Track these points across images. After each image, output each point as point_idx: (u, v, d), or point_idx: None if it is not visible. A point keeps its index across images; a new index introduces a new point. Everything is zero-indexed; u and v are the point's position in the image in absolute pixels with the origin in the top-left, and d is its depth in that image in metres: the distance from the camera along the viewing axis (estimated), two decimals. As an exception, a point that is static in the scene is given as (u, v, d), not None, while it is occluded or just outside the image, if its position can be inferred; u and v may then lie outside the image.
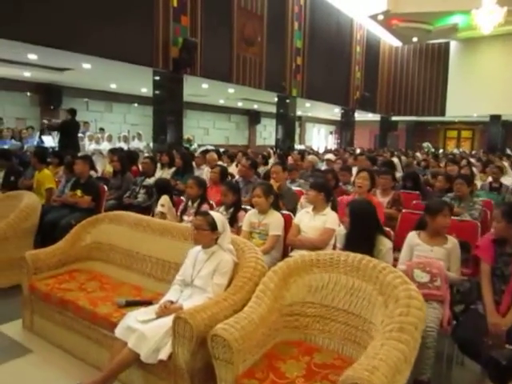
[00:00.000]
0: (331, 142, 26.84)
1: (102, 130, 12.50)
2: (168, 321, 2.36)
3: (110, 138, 10.50)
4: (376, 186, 4.37)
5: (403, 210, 4.18)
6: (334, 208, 3.48)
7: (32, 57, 8.85)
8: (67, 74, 11.11)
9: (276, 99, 15.38)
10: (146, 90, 14.31)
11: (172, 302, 2.57)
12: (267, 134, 22.01)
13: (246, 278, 2.56)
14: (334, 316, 2.41)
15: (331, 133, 27.13)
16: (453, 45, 19.87)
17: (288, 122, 14.32)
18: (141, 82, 12.33)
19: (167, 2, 9.31)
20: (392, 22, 16.91)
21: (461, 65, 19.53)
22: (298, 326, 2.45)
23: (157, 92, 9.99)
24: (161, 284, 3.10)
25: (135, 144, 10.66)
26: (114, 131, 13.10)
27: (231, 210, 3.83)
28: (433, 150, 20.90)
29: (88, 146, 10.01)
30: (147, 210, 5.50)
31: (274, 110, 20.16)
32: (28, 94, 12.46)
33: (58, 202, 5.13)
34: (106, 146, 10.27)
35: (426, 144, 22.65)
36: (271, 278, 2.45)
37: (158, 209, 4.20)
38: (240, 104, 18.18)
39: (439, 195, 5.24)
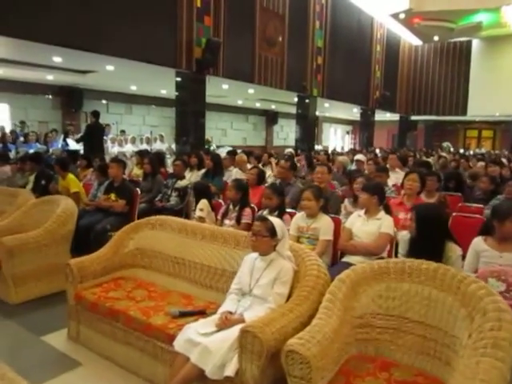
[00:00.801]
0: (348, 142, 26.57)
1: (122, 132, 12.46)
2: (232, 334, 2.23)
3: (133, 140, 10.44)
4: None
5: (453, 214, 4.00)
6: (387, 211, 3.31)
7: (57, 59, 8.82)
8: (89, 76, 11.10)
9: (296, 99, 15.24)
10: (165, 92, 14.29)
11: (231, 313, 2.44)
12: (284, 134, 21.85)
13: (310, 287, 2.41)
14: (408, 328, 2.24)
15: (348, 133, 26.85)
16: (475, 43, 19.48)
17: (308, 123, 14.13)
18: (161, 83, 12.28)
19: (191, 3, 9.21)
20: (414, 20, 16.62)
21: (483, 63, 19.13)
22: (368, 339, 2.29)
23: (179, 93, 9.89)
24: (211, 292, 2.98)
25: (157, 146, 10.60)
26: (134, 133, 13.07)
27: (275, 213, 3.68)
28: (452, 149, 20.53)
29: (111, 149, 9.97)
30: (179, 213, 5.43)
31: (291, 110, 20.06)
32: (48, 96, 12.48)
33: (91, 206, 5.06)
34: (129, 148, 10.24)
35: (445, 144, 22.24)
36: (339, 288, 2.29)
37: (197, 214, 4.07)
38: (258, 104, 18.06)
39: (483, 197, 5.05)
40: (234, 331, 2.25)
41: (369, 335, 2.29)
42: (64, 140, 9.39)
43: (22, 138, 9.07)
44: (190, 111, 9.88)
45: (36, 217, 4.42)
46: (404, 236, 2.82)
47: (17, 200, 4.74)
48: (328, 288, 2.39)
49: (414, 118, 21.54)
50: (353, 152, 12.29)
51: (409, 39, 19.77)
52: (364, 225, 3.25)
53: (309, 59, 13.43)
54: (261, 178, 4.78)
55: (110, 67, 9.66)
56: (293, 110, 20.23)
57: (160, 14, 8.82)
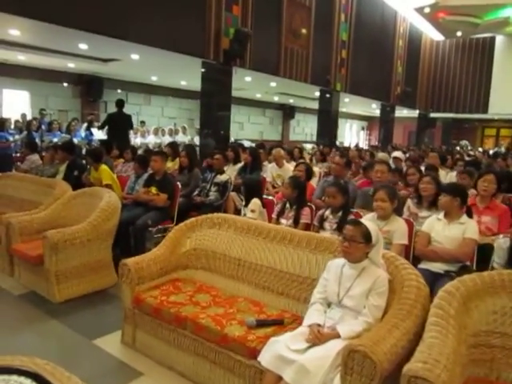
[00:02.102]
0: (362, 138, 26.20)
1: (143, 123, 12.21)
2: (330, 351, 1.98)
3: (155, 132, 10.18)
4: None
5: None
6: (470, 215, 3.04)
7: (82, 46, 8.57)
8: (111, 65, 10.84)
9: (317, 93, 14.90)
10: (185, 83, 14.01)
11: (319, 326, 2.19)
12: (300, 129, 21.53)
13: (411, 299, 2.15)
14: (529, 350, 1.99)
15: (363, 128, 26.47)
16: (499, 40, 18.98)
17: (330, 118, 13.80)
18: (184, 74, 12.03)
19: (220, -10, 8.92)
20: (438, 14, 16.18)
21: (507, 61, 18.66)
22: (483, 360, 2.04)
23: (205, 84, 9.59)
24: (281, 299, 2.73)
25: (180, 138, 10.33)
26: (153, 125, 12.84)
27: (339, 213, 3.43)
28: (470, 148, 20.15)
29: (134, 140, 9.71)
30: (218, 208, 5.18)
31: (308, 104, 19.75)
32: (65, 84, 12.19)
33: (129, 199, 4.82)
34: (151, 140, 10.00)
35: (463, 142, 21.85)
36: (449, 302, 2.03)
37: (248, 215, 3.81)
38: (276, 98, 17.74)
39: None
40: (332, 348, 2.01)
41: (484, 355, 2.04)
42: (88, 129, 9.15)
43: (43, 127, 8.83)
44: (215, 103, 9.60)
45: (76, 209, 4.21)
46: (502, 243, 2.55)
47: (54, 191, 4.52)
48: (428, 301, 2.15)
49: (432, 115, 21.12)
50: (371, 149, 11.92)
51: (430, 34, 19.31)
52: (445, 229, 2.98)
53: (333, 52, 13.09)
54: (309, 174, 4.51)
55: (134, 56, 9.39)
56: (310, 105, 19.97)
57: (188, 1, 8.53)
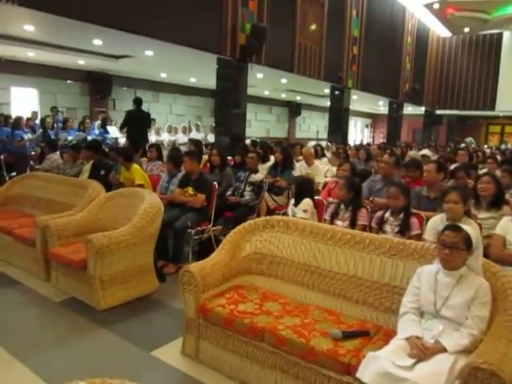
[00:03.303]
0: (367, 136, 26.09)
1: (153, 120, 11.95)
2: (442, 367, 1.84)
3: (169, 129, 9.98)
4: None
5: None
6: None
7: (97, 42, 8.35)
8: (121, 62, 10.62)
9: (326, 90, 14.72)
10: (194, 80, 13.81)
11: (418, 338, 2.03)
12: (306, 126, 21.36)
13: (519, 311, 1.99)
14: None
15: (367, 126, 26.35)
16: (506, 36, 18.88)
17: (341, 115, 13.63)
18: (194, 71, 11.82)
19: (237, -15, 8.72)
20: (447, 10, 16.06)
21: (515, 57, 18.58)
22: None
23: (220, 81, 9.40)
24: (358, 307, 2.57)
25: (193, 135, 10.12)
26: (161, 122, 12.62)
27: (401, 215, 3.27)
28: (474, 145, 20.09)
29: (148, 137, 9.49)
30: (253, 209, 5.02)
31: (315, 101, 19.59)
32: (73, 82, 11.97)
33: (164, 200, 4.63)
34: (165, 137, 9.81)
35: (469, 139, 21.80)
36: None
37: (300, 215, 3.64)
38: (284, 95, 17.56)
39: None
40: (443, 363, 1.85)
41: None
42: (103, 127, 8.93)
43: (56, 125, 8.60)
44: (230, 100, 9.40)
45: (113, 211, 4.03)
46: None
47: (87, 192, 4.33)
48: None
49: (438, 112, 21.01)
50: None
51: (437, 31, 19.19)
52: (522, 232, 2.83)
53: (345, 49, 12.92)
54: (355, 173, 4.34)
55: (148, 52, 9.17)
56: (317, 102, 19.82)
57: (205, -4, 8.33)
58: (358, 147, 8.29)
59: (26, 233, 4.06)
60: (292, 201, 3.87)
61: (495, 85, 19.23)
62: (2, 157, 7.44)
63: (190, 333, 2.68)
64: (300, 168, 6.15)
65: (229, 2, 8.73)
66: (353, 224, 3.42)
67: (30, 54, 9.74)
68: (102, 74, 12.01)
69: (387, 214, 3.31)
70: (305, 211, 3.62)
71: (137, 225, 3.48)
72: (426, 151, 6.69)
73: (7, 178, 7.44)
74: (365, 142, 22.80)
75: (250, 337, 2.38)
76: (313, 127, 21.44)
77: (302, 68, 11.17)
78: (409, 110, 21.04)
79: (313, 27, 11.34)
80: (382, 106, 20.67)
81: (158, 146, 6.01)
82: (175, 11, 7.69)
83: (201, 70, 11.34)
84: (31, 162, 8.05)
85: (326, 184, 4.79)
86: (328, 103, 20.42)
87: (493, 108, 19.59)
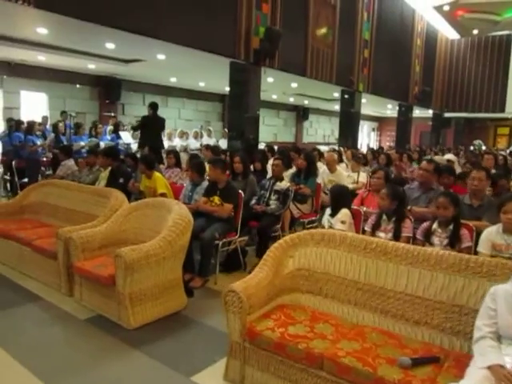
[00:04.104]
0: (373, 140, 25.91)
1: (163, 125, 11.80)
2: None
3: (181, 135, 9.81)
4: None
5: None
6: None
7: (109, 46, 8.19)
8: (131, 66, 10.48)
9: (336, 94, 14.56)
10: (203, 84, 13.67)
11: (501, 367, 1.82)
12: (313, 130, 21.19)
13: None
14: None
15: (373, 130, 26.17)
16: (515, 37, 18.73)
17: (352, 119, 13.44)
18: (204, 75, 11.69)
19: (250, -13, 8.56)
20: (457, 12, 15.89)
21: (524, 59, 18.39)
22: None
23: (233, 85, 9.23)
24: (419, 329, 2.38)
25: (205, 141, 9.94)
26: (170, 127, 12.44)
27: (450, 226, 3.07)
28: (484, 147, 19.87)
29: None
30: (279, 218, 4.82)
31: (322, 106, 19.43)
32: (83, 86, 11.82)
33: (188, 209, 4.43)
34: (177, 143, 9.64)
35: (477, 142, 21.58)
36: None
37: (338, 226, 3.44)
38: (292, 99, 17.40)
39: None
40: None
41: None
42: (115, 132, 8.75)
43: (67, 130, 8.43)
44: (244, 105, 9.22)
45: (138, 222, 3.84)
46: None
47: (109, 201, 4.14)
48: None
49: (446, 114, 20.83)
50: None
51: (446, 33, 19.02)
52: None
53: (356, 52, 12.75)
54: (389, 180, 4.14)
55: (161, 56, 9.03)
56: (324, 106, 19.68)
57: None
58: (379, 151, 8.06)
59: (46, 244, 3.88)
60: (328, 211, 3.67)
61: (505, 87, 19.03)
62: (13, 162, 7.26)
63: (233, 357, 2.48)
64: (322, 175, 5.97)
65: (243, 4, 8.58)
66: (396, 236, 3.22)
67: (40, 58, 9.60)
68: (111, 79, 11.88)
69: (434, 225, 3.11)
70: (343, 222, 3.43)
71: (167, 238, 3.28)
72: (450, 156, 6.49)
73: (18, 185, 7.29)
74: (371, 146, 22.66)
75: (305, 363, 2.18)
76: (320, 131, 21.28)
77: (314, 72, 11.01)
78: (416, 113, 20.84)
79: (323, 30, 11.17)
80: (389, 109, 20.51)
81: (176, 153, 5.83)
82: (189, 14, 7.54)
83: (211, 75, 11.20)
84: (42, 168, 7.89)
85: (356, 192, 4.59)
86: (336, 107, 20.31)
87: (502, 110, 19.39)
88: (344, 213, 3.47)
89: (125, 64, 10.33)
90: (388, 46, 14.44)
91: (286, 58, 9.74)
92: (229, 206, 4.15)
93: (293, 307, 2.65)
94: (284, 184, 4.82)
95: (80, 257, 3.48)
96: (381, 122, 25.88)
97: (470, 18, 16.10)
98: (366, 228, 3.41)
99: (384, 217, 3.33)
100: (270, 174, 6.02)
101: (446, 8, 15.59)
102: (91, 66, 10.38)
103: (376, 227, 3.33)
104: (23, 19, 6.55)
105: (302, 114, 19.66)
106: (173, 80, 12.70)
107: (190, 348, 2.92)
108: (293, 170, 5.84)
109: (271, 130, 18.29)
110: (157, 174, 4.67)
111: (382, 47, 13.97)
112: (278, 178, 4.87)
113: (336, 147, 13.22)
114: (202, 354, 2.83)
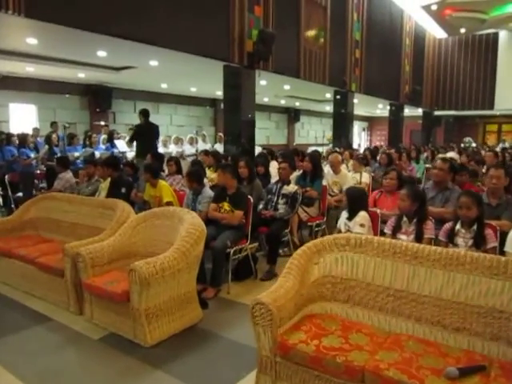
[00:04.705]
0: (364, 139, 25.97)
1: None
2: None
3: (176, 141, 9.67)
4: None
5: None
6: None
7: (101, 54, 8.02)
8: (122, 73, 10.31)
9: (328, 95, 14.54)
10: (194, 90, 13.54)
11: None
12: (305, 132, 21.16)
13: None
14: None
15: (364, 129, 26.24)
16: (502, 35, 18.87)
17: (345, 119, 13.41)
18: (196, 80, 11.56)
19: (243, -10, 8.48)
20: (445, 11, 15.97)
21: (512, 56, 18.58)
22: None
23: (227, 89, 9.12)
24: (457, 336, 2.29)
25: (200, 146, 9.81)
26: (162, 133, 12.25)
27: (474, 227, 2.99)
28: (474, 145, 20.01)
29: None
30: (287, 223, 4.72)
31: (313, 107, 19.41)
32: (72, 96, 11.61)
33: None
34: (173, 149, 9.50)
35: (467, 139, 21.74)
36: None
37: (357, 230, 3.34)
38: (283, 102, 17.35)
39: None
40: None
41: None
42: (109, 141, 8.57)
43: (60, 141, 8.25)
44: (239, 108, 9.11)
45: (148, 233, 3.70)
46: None
47: (115, 213, 3.99)
48: None
49: (436, 113, 20.96)
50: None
51: (433, 32, 19.15)
52: None
53: (348, 53, 12.74)
54: (401, 181, 4.06)
55: (153, 62, 8.88)
56: (315, 107, 19.65)
57: (211, 3, 8.07)
58: (383, 151, 7.97)
59: (51, 261, 3.72)
60: (344, 214, 3.56)
61: (493, 84, 19.20)
62: (6, 177, 7.05)
63: (264, 373, 2.35)
64: (327, 176, 5.87)
65: (235, 7, 8.49)
66: (418, 238, 3.13)
67: (29, 69, 9.40)
68: (102, 87, 11.69)
69: (458, 226, 3.03)
70: (362, 225, 3.33)
71: (181, 249, 3.15)
72: (452, 154, 6.45)
73: (12, 199, 7.08)
74: (362, 146, 22.67)
75: (345, 378, 2.07)
76: (311, 133, 21.25)
77: (307, 73, 10.95)
78: (406, 112, 20.96)
79: (315, 32, 11.14)
80: (380, 108, 20.58)
81: (177, 159, 5.69)
82: (182, 19, 7.42)
83: (203, 79, 11.08)
84: (35, 181, 7.69)
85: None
86: (327, 108, 20.32)
87: (491, 107, 19.55)
88: (362, 216, 3.37)
89: (116, 72, 10.15)
90: (378, 46, 14.46)
91: (279, 60, 9.66)
92: (240, 213, 4.03)
93: (321, 317, 2.54)
94: (292, 187, 4.71)
95: (89, 273, 3.32)
96: (371, 121, 25.97)
97: (458, 16, 16.18)
98: (385, 230, 3.31)
99: (404, 218, 3.24)
100: (273, 178, 5.95)
101: (434, 7, 15.66)
102: (81, 75, 10.19)
103: (397, 229, 3.24)
104: (12, 29, 6.38)
105: (293, 115, 19.62)
106: (164, 86, 12.55)
107: (213, 364, 2.79)
108: (297, 172, 5.74)
109: (264, 133, 18.20)
110: (162, 183, 4.54)
111: (372, 47, 13.99)
112: (285, 181, 4.76)
113: (328, 148, 13.26)
114: (227, 369, 2.70)
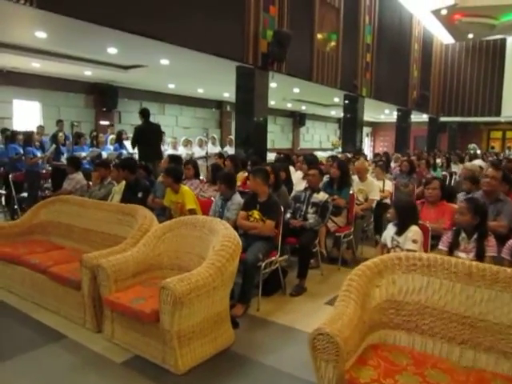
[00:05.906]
0: (368, 145, 25.73)
1: (163, 133, 11.30)
2: None
3: (185, 143, 9.35)
4: None
5: None
6: None
7: (111, 51, 7.71)
8: (130, 72, 10.00)
9: (336, 99, 14.30)
10: (201, 91, 13.24)
11: None
12: (309, 136, 20.89)
13: None
14: None
15: (367, 135, 26.01)
16: (510, 41, 18.72)
17: (355, 124, 13.14)
18: (205, 81, 11.26)
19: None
20: (455, 16, 15.79)
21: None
22: None
23: (240, 90, 8.82)
24: (499, 357, 1.96)
25: (210, 149, 9.49)
26: (167, 135, 11.97)
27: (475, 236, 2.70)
28: (478, 151, 19.84)
29: (165, 152, 8.86)
30: (317, 233, 4.41)
31: (319, 111, 19.14)
32: (73, 93, 11.26)
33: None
34: (182, 152, 9.18)
35: (472, 146, 21.56)
36: None
37: (408, 246, 3.02)
38: (289, 105, 17.07)
39: None
40: None
41: None
42: (118, 142, 8.24)
43: (67, 140, 7.92)
44: (251, 110, 8.81)
45: (175, 245, 3.39)
46: None
47: (136, 220, 3.67)
48: None
49: (442, 119, 20.77)
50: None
51: (441, 37, 18.96)
52: None
53: (359, 56, 12.48)
54: (445, 192, 3.76)
55: (164, 61, 8.58)
56: (321, 112, 19.39)
57: (226, 2, 7.78)
58: (405, 158, 7.64)
59: (66, 272, 3.38)
60: (391, 227, 3.25)
61: (500, 90, 19.04)
62: (10, 176, 6.71)
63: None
64: (354, 184, 5.57)
65: (251, 6, 8.21)
66: (480, 256, 2.83)
67: (34, 65, 9.07)
68: (108, 86, 11.36)
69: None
70: (414, 241, 3.02)
71: (216, 264, 2.83)
72: (479, 162, 6.17)
73: (16, 199, 6.75)
74: (366, 151, 22.43)
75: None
76: (316, 137, 21.01)
77: (320, 76, 10.68)
78: (411, 117, 20.77)
79: (328, 33, 10.87)
80: (386, 114, 20.35)
81: (194, 163, 5.36)
82: (196, 17, 7.13)
83: (212, 80, 10.80)
84: (41, 181, 7.35)
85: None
86: (332, 113, 20.09)
87: (498, 114, 19.38)
88: (415, 231, 3.06)
89: (123, 70, 9.86)
90: (388, 50, 14.25)
91: (292, 62, 9.38)
92: (272, 223, 3.72)
93: (387, 348, 2.22)
94: (322, 196, 4.40)
95: (112, 288, 2.99)
96: (374, 127, 25.76)
97: (468, 22, 16.01)
98: (440, 247, 3.01)
99: (463, 234, 2.93)
100: (295, 184, 5.65)
101: (444, 12, 15.47)
102: (88, 72, 9.87)
103: (454, 246, 2.93)
104: (22, 21, 6.06)
105: (298, 119, 19.35)
106: (171, 86, 12.24)
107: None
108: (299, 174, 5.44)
109: (269, 137, 17.76)
110: (185, 188, 4.22)
111: (383, 51, 13.77)
112: (315, 189, 4.45)
113: (333, 153, 12.98)
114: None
